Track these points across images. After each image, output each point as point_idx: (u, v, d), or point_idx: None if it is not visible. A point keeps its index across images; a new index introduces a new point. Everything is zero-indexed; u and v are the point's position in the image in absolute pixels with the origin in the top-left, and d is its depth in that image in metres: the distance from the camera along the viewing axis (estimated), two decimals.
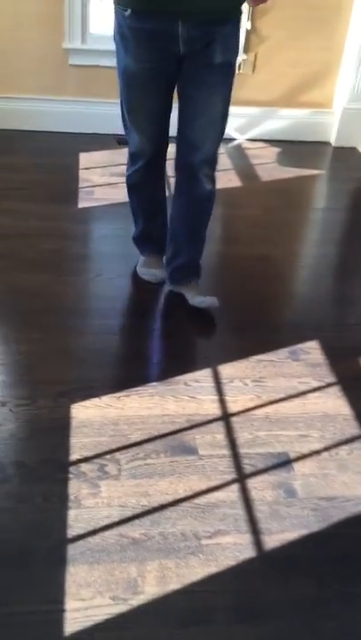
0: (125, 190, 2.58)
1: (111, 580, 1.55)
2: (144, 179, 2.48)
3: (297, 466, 1.90)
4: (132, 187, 2.54)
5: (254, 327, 2.49)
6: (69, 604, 1.49)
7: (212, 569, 1.60)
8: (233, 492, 1.80)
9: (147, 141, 2.35)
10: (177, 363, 2.28)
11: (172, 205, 2.50)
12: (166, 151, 2.41)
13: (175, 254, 2.53)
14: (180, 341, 2.41)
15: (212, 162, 2.33)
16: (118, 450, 1.90)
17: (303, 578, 1.60)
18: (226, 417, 2.05)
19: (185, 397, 2.11)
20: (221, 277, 2.84)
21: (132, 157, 2.44)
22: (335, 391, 2.19)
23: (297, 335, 2.45)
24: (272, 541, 1.68)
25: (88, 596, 1.51)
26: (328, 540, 1.69)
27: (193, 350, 2.37)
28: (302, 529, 1.71)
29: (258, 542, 1.67)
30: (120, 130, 2.41)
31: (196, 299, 2.50)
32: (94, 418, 2.00)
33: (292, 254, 3.08)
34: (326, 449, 1.97)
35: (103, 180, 3.51)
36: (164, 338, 2.46)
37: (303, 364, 2.31)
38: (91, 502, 1.73)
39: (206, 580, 1.57)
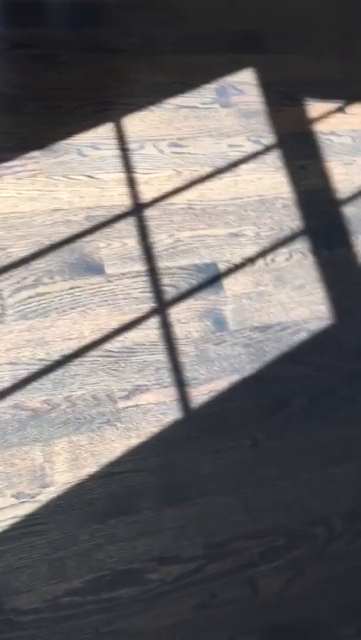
0: None
1: (12, 473, 1.26)
2: None
3: (228, 283, 1.53)
4: None
5: (163, 36, 1.77)
6: None
7: (133, 441, 1.35)
8: (152, 330, 1.44)
9: None
10: (62, 113, 1.60)
11: None
12: None
13: None
14: (61, 76, 1.67)
15: None
16: None
17: (236, 439, 1.41)
18: (138, 209, 1.54)
19: (81, 178, 1.53)
20: None
21: None
22: (273, 159, 1.70)
23: (224, 59, 1.79)
24: (200, 395, 1.42)
25: None
26: (261, 386, 1.46)
27: (81, 89, 1.65)
28: (233, 374, 1.45)
29: (184, 398, 1.41)
30: None
31: None
32: None
33: None
34: (262, 254, 1.59)
35: None
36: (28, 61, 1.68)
37: (235, 111, 1.73)
38: None
39: (127, 457, 1.33)
